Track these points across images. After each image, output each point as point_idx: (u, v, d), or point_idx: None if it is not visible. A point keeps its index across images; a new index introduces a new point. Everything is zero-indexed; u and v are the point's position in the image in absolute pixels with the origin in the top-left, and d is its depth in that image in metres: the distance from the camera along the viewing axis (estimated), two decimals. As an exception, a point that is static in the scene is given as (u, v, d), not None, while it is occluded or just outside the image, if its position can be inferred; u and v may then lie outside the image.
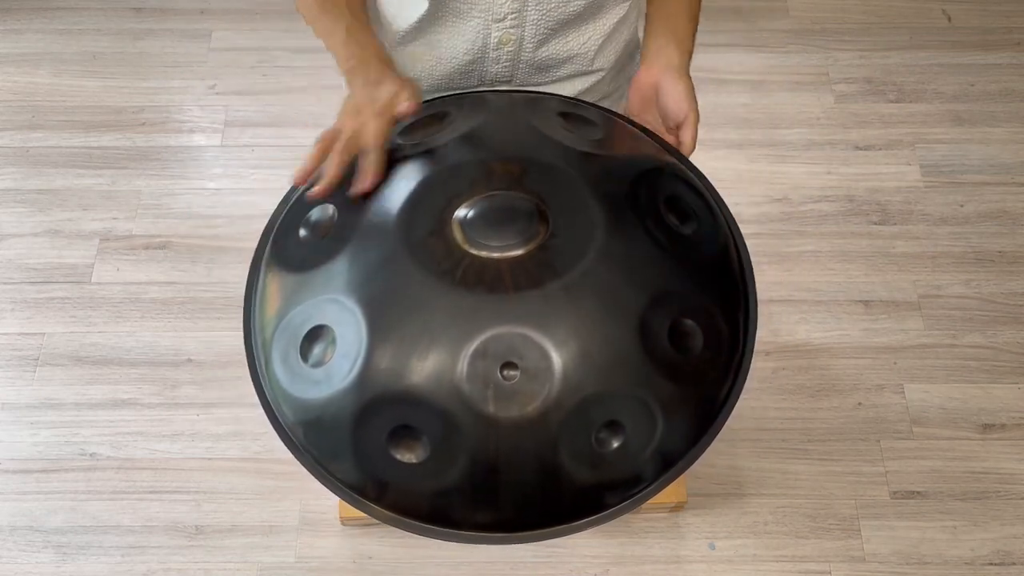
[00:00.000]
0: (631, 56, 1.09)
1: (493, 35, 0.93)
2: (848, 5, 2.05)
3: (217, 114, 1.88)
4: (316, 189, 0.80)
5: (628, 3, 0.98)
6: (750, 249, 0.89)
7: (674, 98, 0.90)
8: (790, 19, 2.04)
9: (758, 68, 1.96)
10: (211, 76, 1.93)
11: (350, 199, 0.82)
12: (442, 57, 0.97)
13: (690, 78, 0.92)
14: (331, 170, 0.80)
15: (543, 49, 0.96)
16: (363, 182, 0.80)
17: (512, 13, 0.91)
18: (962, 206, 1.77)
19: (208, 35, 2.00)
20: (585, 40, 0.98)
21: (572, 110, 0.92)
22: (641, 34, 1.01)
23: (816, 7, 2.05)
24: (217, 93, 1.91)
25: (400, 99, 0.83)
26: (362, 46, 0.87)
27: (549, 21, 0.92)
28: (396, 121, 0.84)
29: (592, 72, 1.02)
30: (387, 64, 0.87)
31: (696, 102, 0.91)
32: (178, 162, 1.82)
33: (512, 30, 0.92)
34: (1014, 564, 1.43)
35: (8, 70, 1.94)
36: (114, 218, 1.74)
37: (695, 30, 0.96)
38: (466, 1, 0.91)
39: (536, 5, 0.90)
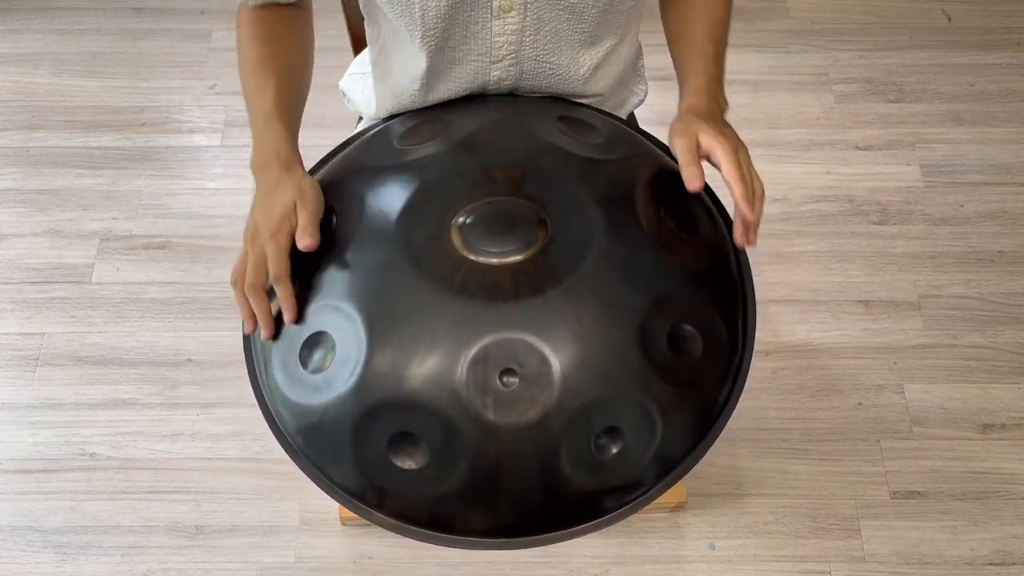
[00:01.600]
0: (633, 67, 1.08)
1: (492, 74, 0.93)
2: (848, 5, 2.05)
3: (217, 114, 1.88)
4: (263, 336, 0.78)
5: (618, 36, 0.95)
6: (749, 250, 0.89)
7: (696, 143, 0.81)
8: (790, 19, 2.03)
9: (758, 68, 1.96)
10: (211, 76, 1.93)
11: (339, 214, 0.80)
12: (444, 99, 0.96)
13: (701, 116, 0.83)
14: (260, 314, 0.78)
15: (540, 79, 0.95)
16: (286, 316, 0.77)
17: (510, 54, 0.90)
18: (962, 206, 1.77)
19: (208, 35, 1.99)
20: (578, 69, 0.95)
21: (572, 114, 0.92)
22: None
23: (816, 7, 2.04)
24: (217, 93, 1.91)
25: (296, 215, 0.78)
26: (272, 141, 0.84)
27: (547, 54, 0.91)
28: (291, 241, 0.78)
29: (589, 96, 1.00)
30: (286, 165, 0.82)
31: (715, 131, 0.81)
32: (178, 162, 1.82)
33: (511, 68, 0.92)
34: (1014, 564, 1.43)
35: (8, 70, 1.94)
36: (114, 218, 1.74)
37: (715, 62, 0.89)
38: (460, 49, 0.89)
39: (532, 43, 0.89)
